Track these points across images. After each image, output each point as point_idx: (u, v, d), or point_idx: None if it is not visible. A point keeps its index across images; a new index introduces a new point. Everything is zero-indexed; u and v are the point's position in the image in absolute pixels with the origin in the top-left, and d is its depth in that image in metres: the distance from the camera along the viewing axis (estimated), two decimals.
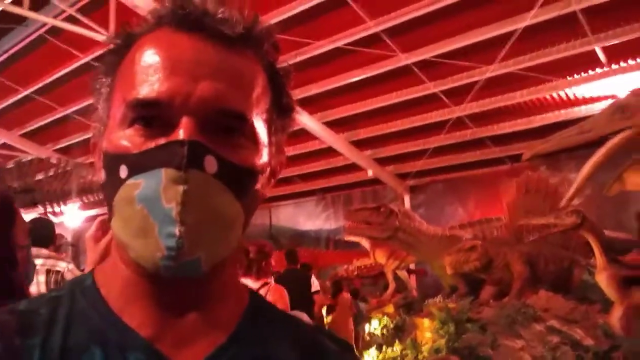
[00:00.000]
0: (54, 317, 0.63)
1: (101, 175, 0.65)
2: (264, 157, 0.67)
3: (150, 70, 0.61)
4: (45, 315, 0.63)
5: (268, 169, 0.70)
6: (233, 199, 0.62)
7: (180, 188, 0.57)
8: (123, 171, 0.60)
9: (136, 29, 0.66)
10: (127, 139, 0.61)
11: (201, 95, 0.60)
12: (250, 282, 4.05)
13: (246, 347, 0.67)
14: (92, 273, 0.71)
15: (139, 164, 0.59)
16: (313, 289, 6.91)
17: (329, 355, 0.73)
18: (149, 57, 0.62)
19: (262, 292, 3.93)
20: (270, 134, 0.69)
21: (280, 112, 0.71)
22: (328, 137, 9.82)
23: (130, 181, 0.60)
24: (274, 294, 4.07)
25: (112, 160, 0.62)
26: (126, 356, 0.61)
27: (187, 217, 0.57)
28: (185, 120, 0.59)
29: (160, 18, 0.65)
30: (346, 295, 8.36)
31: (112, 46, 0.68)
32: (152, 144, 0.60)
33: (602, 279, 4.82)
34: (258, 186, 0.66)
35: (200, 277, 0.61)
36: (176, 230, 0.57)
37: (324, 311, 8.14)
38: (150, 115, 0.61)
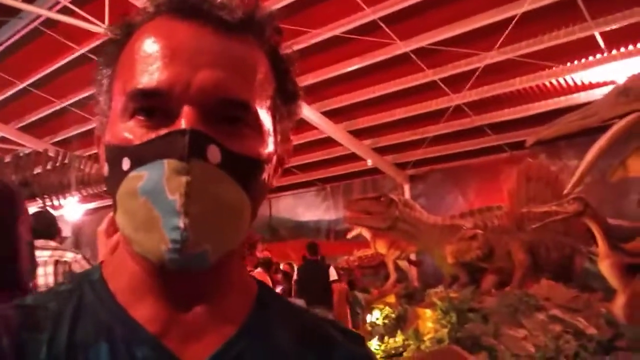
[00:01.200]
0: (61, 311, 0.63)
1: (105, 169, 0.64)
2: (270, 146, 0.66)
3: (149, 59, 0.60)
4: (53, 310, 0.63)
5: (274, 158, 0.68)
6: (238, 189, 0.60)
7: (184, 179, 0.56)
8: (125, 163, 0.60)
9: (135, 18, 0.65)
10: (129, 130, 0.60)
11: (201, 84, 0.59)
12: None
13: (255, 339, 0.66)
14: (100, 267, 0.70)
15: (141, 155, 0.58)
16: (331, 279, 7.10)
17: (337, 346, 0.73)
18: (148, 46, 0.61)
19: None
20: (275, 122, 0.68)
21: (285, 99, 0.70)
22: (327, 127, 9.78)
23: (133, 173, 0.59)
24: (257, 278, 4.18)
25: (114, 153, 0.61)
26: (133, 351, 0.60)
27: (191, 208, 0.56)
28: (186, 110, 0.58)
29: (158, 6, 0.64)
30: (342, 285, 8.35)
31: (111, 37, 0.66)
32: (153, 135, 0.59)
33: (605, 267, 4.81)
34: (264, 176, 0.65)
35: (207, 270, 0.60)
36: (180, 222, 0.55)
37: None
38: (151, 105, 0.60)
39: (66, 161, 7.34)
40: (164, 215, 0.56)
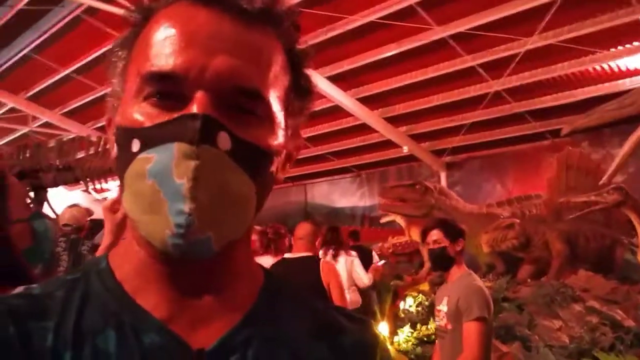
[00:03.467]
0: (68, 300, 0.63)
1: (114, 150, 0.64)
2: (280, 138, 0.65)
3: (165, 43, 0.60)
4: (60, 299, 0.63)
5: (284, 152, 0.68)
6: (246, 178, 0.60)
7: (192, 163, 0.55)
8: (135, 145, 0.59)
9: (154, 3, 0.65)
10: (141, 112, 0.60)
11: (216, 69, 0.58)
12: (270, 259, 4.46)
13: (261, 327, 0.66)
14: (107, 255, 0.70)
15: (151, 137, 0.58)
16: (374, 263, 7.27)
17: (346, 333, 0.72)
18: (165, 30, 0.61)
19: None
20: (287, 116, 0.67)
21: (298, 95, 0.69)
22: (362, 114, 9.73)
23: (142, 155, 0.58)
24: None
25: (125, 134, 0.61)
26: (141, 338, 0.60)
27: (198, 193, 0.55)
28: (199, 95, 0.58)
29: None
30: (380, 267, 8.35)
31: (129, 19, 0.67)
32: (165, 118, 0.58)
33: None
34: (273, 168, 0.64)
35: (211, 257, 0.60)
36: (186, 207, 0.55)
37: None
38: (165, 88, 0.59)
39: (108, 146, 7.51)
40: (170, 199, 0.56)
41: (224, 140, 0.57)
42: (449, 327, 2.97)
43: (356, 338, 0.73)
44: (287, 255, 4.27)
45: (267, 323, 0.67)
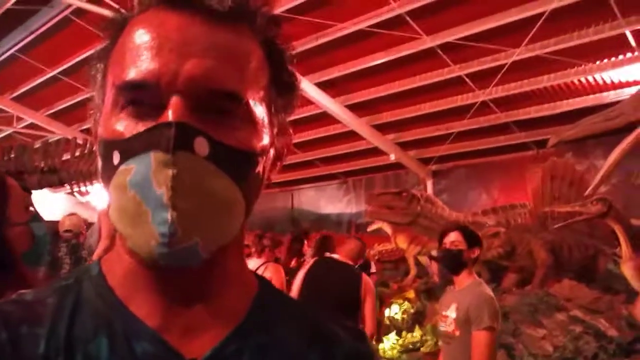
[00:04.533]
0: (60, 306, 0.63)
1: (99, 163, 0.64)
2: (264, 138, 0.64)
3: (137, 51, 0.59)
4: (52, 305, 0.63)
5: (271, 151, 0.67)
6: (229, 182, 0.59)
7: (170, 172, 0.54)
8: (116, 157, 0.59)
9: (126, 13, 0.64)
10: (119, 124, 0.59)
11: (189, 74, 0.58)
12: (254, 261, 4.65)
13: (254, 336, 0.66)
14: (99, 261, 0.70)
15: (130, 148, 0.58)
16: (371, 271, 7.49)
17: (338, 343, 0.72)
18: (137, 38, 0.60)
19: (261, 269, 4.44)
20: (270, 114, 0.66)
21: (281, 91, 0.68)
22: (350, 121, 9.75)
23: (122, 167, 0.58)
24: (272, 270, 4.49)
25: (106, 147, 0.61)
26: (133, 346, 0.60)
27: (178, 201, 0.55)
28: (173, 101, 0.57)
29: None
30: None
31: (103, 32, 0.66)
32: (142, 128, 0.58)
33: (627, 269, 4.76)
34: (258, 169, 0.64)
35: (200, 265, 0.59)
36: (168, 215, 0.54)
37: None
38: (140, 97, 0.59)
39: (94, 149, 7.46)
40: (153, 209, 0.55)
41: (201, 146, 0.57)
42: (457, 333, 2.99)
43: (350, 349, 0.72)
44: (332, 255, 4.47)
45: (260, 332, 0.66)
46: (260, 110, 0.63)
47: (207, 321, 0.64)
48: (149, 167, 0.55)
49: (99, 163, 0.63)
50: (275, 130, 0.68)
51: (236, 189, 0.60)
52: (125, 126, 0.59)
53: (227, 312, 0.66)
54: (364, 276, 4.29)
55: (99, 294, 0.64)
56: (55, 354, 0.59)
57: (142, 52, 0.59)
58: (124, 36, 0.62)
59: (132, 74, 0.58)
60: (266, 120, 0.65)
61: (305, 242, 4.97)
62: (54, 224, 5.00)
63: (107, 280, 0.66)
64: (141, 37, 0.60)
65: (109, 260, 0.69)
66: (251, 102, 0.62)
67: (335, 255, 4.49)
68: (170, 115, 0.56)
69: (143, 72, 0.58)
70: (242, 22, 0.63)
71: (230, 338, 0.64)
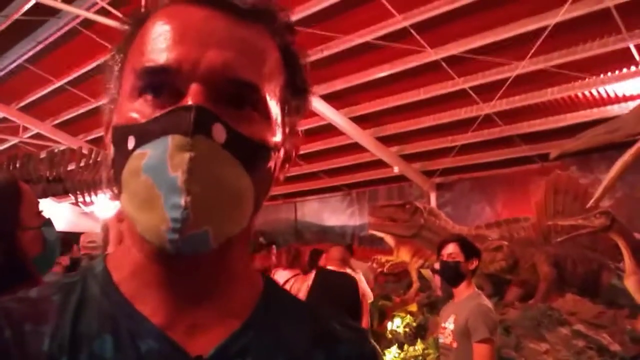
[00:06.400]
0: (65, 304, 0.63)
1: (110, 151, 0.64)
2: (277, 135, 0.65)
3: (159, 40, 0.61)
4: (57, 302, 0.63)
5: (282, 150, 0.68)
6: (243, 172, 0.59)
7: (187, 155, 0.54)
8: (131, 142, 0.59)
9: (149, 8, 0.66)
10: (136, 109, 0.60)
11: (210, 62, 0.59)
12: (287, 273, 5.12)
13: (260, 334, 0.66)
14: (104, 258, 0.69)
15: (146, 133, 0.57)
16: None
17: (342, 342, 0.72)
18: (159, 28, 0.62)
19: (291, 281, 4.92)
20: (283, 113, 0.67)
21: (294, 93, 0.70)
22: (354, 133, 9.77)
23: (137, 152, 0.58)
24: (302, 282, 4.90)
25: (120, 132, 0.61)
26: (138, 343, 0.60)
27: (193, 186, 0.54)
28: (193, 87, 0.58)
29: None
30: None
31: (125, 27, 0.68)
32: (159, 113, 0.58)
33: (631, 284, 4.73)
34: (270, 164, 0.64)
35: (208, 256, 0.59)
36: (182, 200, 0.54)
37: None
38: (159, 83, 0.60)
39: (99, 159, 7.50)
40: (166, 193, 0.55)
41: (219, 132, 0.57)
42: (454, 345, 2.97)
43: (354, 348, 0.73)
44: (329, 267, 4.85)
45: (266, 330, 0.67)
46: (275, 107, 0.65)
47: (213, 319, 0.64)
48: (165, 151, 0.55)
49: (112, 152, 0.63)
50: (287, 130, 0.69)
51: (249, 180, 0.60)
52: (141, 111, 0.59)
53: (233, 310, 0.66)
54: (358, 280, 4.70)
55: (103, 292, 0.64)
56: (59, 351, 0.58)
57: (164, 40, 0.60)
58: (146, 27, 0.64)
59: (153, 59, 0.60)
60: (279, 118, 0.66)
61: (273, 255, 5.07)
62: (77, 235, 5.10)
63: (112, 277, 0.66)
64: (163, 26, 0.62)
65: (115, 256, 0.69)
66: (267, 97, 0.63)
67: (329, 267, 4.80)
68: (189, 100, 0.57)
69: (165, 57, 0.59)
70: (261, 22, 0.65)
71: (236, 336, 0.64)
